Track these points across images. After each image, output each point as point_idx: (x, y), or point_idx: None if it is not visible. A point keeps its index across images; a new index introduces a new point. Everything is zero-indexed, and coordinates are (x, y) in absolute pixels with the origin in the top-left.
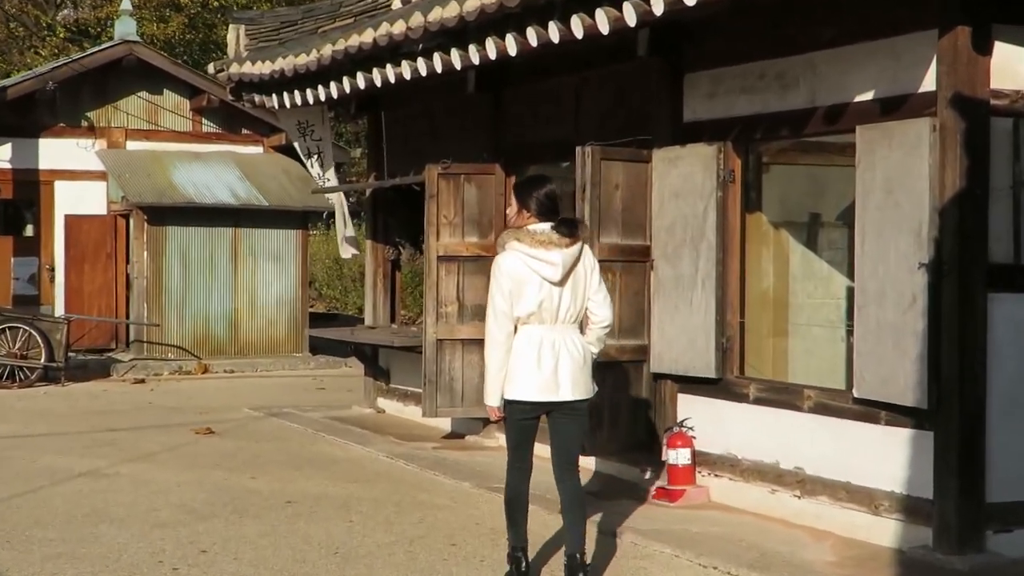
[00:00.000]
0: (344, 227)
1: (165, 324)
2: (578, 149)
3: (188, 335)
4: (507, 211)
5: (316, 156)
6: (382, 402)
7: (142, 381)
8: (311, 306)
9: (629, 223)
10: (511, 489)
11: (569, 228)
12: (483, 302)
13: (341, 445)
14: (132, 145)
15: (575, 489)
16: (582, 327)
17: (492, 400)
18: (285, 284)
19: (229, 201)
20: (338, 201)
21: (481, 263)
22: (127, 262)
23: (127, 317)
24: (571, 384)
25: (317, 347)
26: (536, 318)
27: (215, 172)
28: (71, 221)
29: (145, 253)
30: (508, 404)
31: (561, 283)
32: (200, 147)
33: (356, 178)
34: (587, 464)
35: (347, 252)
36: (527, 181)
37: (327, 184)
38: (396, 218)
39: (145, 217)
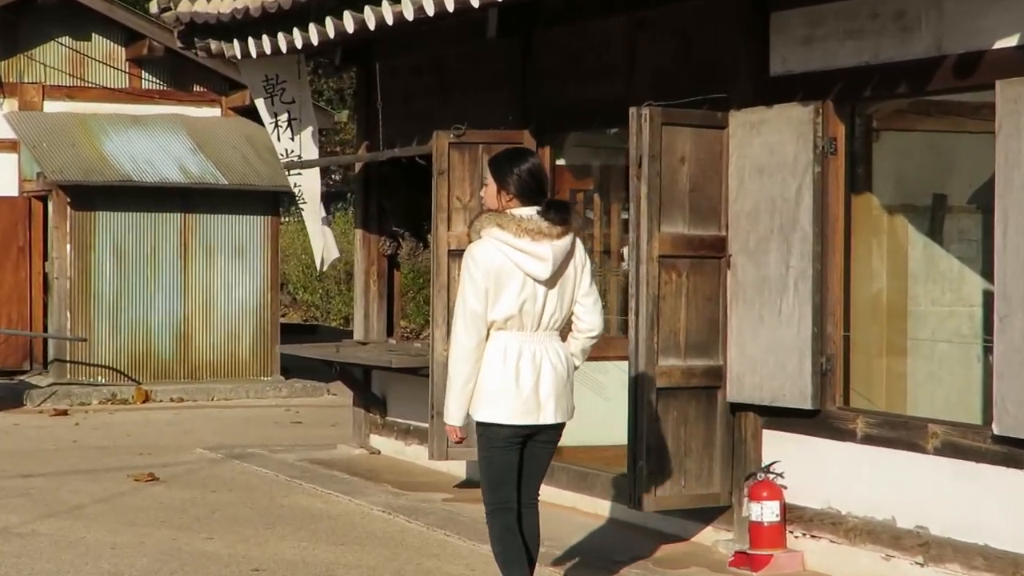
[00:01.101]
0: (317, 221)
1: (94, 339)
2: (632, 111)
3: (124, 353)
4: (481, 193)
5: (286, 123)
6: (376, 440)
7: (64, 413)
8: (283, 315)
9: (699, 207)
10: (500, 528)
11: (559, 214)
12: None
13: (323, 496)
14: (51, 106)
15: (536, 526)
16: (562, 335)
17: (453, 418)
18: (250, 287)
19: (177, 179)
20: (308, 184)
21: None
22: (44, 258)
23: (45, 329)
24: (554, 404)
25: (291, 368)
26: (515, 323)
27: (159, 141)
28: None
29: (68, 246)
30: (483, 429)
31: (549, 282)
32: (140, 108)
33: (341, 149)
34: (643, 520)
35: (328, 253)
36: (505, 155)
37: (301, 158)
38: (394, 201)
39: (68, 200)
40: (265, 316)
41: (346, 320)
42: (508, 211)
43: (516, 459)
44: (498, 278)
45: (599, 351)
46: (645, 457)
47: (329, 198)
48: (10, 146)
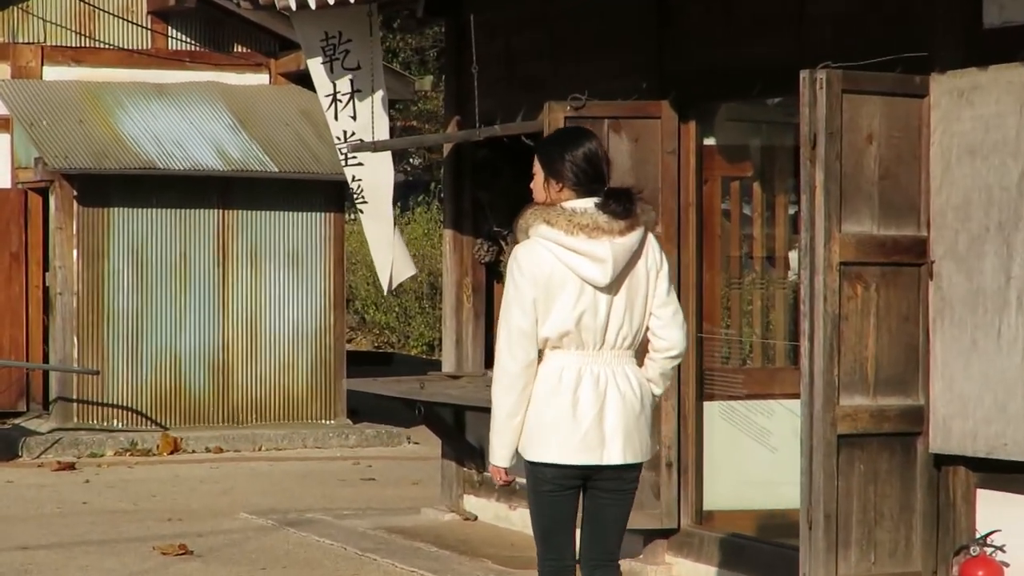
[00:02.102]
0: (386, 225)
1: (108, 371)
2: (803, 75)
3: (146, 390)
4: (531, 186)
5: (347, 95)
6: (472, 502)
7: (71, 467)
8: (349, 341)
9: (891, 200)
10: None
11: (622, 205)
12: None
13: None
14: (53, 73)
15: None
16: (638, 356)
17: (499, 458)
18: (307, 304)
19: (214, 165)
20: (373, 176)
21: None
22: (45, 268)
23: (45, 359)
24: (622, 441)
25: (361, 410)
26: (572, 341)
27: (190, 117)
28: None
29: (75, 252)
30: (531, 469)
31: (611, 289)
32: (165, 75)
33: (423, 126)
34: None
35: (398, 271)
36: (554, 137)
37: (366, 140)
38: (494, 193)
39: (75, 193)
40: (327, 342)
41: (431, 347)
42: (560, 204)
43: (572, 506)
44: (548, 286)
45: (761, 386)
46: (822, 525)
47: (406, 190)
48: (1, 124)
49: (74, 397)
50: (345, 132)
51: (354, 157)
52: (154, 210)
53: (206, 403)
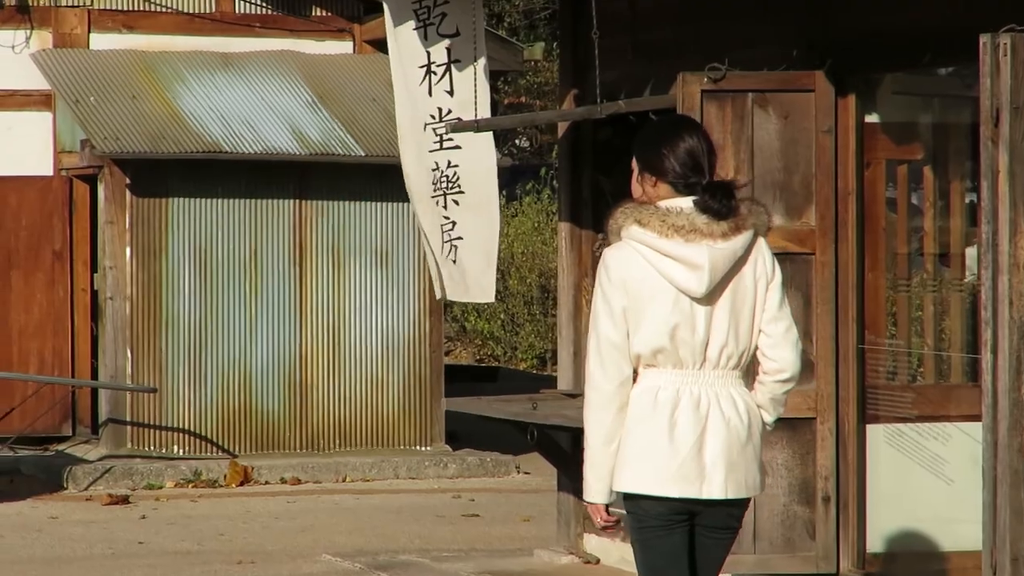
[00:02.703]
0: (490, 225)
1: (167, 389)
2: (983, 41)
3: (212, 410)
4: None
5: (443, 67)
6: (594, 542)
7: (124, 500)
8: (448, 352)
9: None
10: None
11: (723, 204)
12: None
13: None
14: (101, 41)
15: None
16: (748, 379)
17: (595, 492)
18: (399, 310)
19: (289, 148)
20: (472, 162)
21: (790, 268)
22: (92, 268)
23: (93, 375)
24: (724, 472)
25: (462, 434)
26: (668, 358)
27: (262, 92)
28: None
29: (128, 251)
30: (630, 504)
31: (710, 300)
32: (232, 43)
33: (532, 103)
34: None
35: (476, 285)
36: (653, 126)
37: (465, 118)
38: (617, 180)
39: (128, 181)
40: (421, 354)
41: (542, 360)
42: (656, 204)
43: (681, 543)
44: (638, 295)
45: (934, 406)
46: (1009, 570)
47: (512, 176)
48: (40, 101)
49: (128, 419)
50: (440, 110)
51: (450, 139)
52: (219, 200)
53: (281, 426)
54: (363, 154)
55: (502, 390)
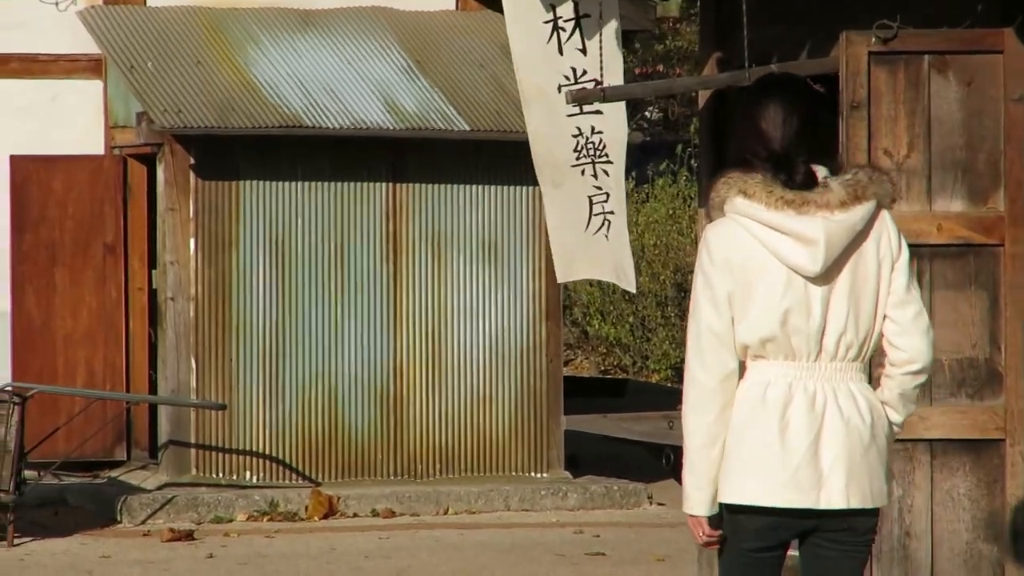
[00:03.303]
0: (620, 203)
1: (237, 406)
2: None
3: (290, 431)
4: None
5: (571, 22)
6: None
7: (189, 536)
8: (568, 362)
9: None
10: None
11: (844, 173)
12: (972, 353)
13: None
14: None
15: None
16: (869, 371)
17: (695, 503)
18: (510, 313)
19: (382, 122)
20: (610, 132)
21: (973, 261)
22: (151, 264)
23: (152, 389)
24: (845, 478)
25: (583, 457)
26: (779, 348)
27: (349, 56)
28: (21, 170)
29: (193, 243)
30: (729, 517)
31: (826, 280)
32: None
33: (668, 71)
34: None
35: (619, 276)
36: (753, 89)
37: (594, 86)
38: None
39: (192, 161)
40: (536, 365)
41: (677, 371)
42: (759, 173)
43: (775, 569)
44: (744, 276)
45: None
46: None
47: (641, 155)
48: (89, 67)
49: (192, 441)
50: (575, 70)
51: (590, 104)
52: (299, 184)
53: (372, 449)
54: (468, 128)
55: (631, 406)
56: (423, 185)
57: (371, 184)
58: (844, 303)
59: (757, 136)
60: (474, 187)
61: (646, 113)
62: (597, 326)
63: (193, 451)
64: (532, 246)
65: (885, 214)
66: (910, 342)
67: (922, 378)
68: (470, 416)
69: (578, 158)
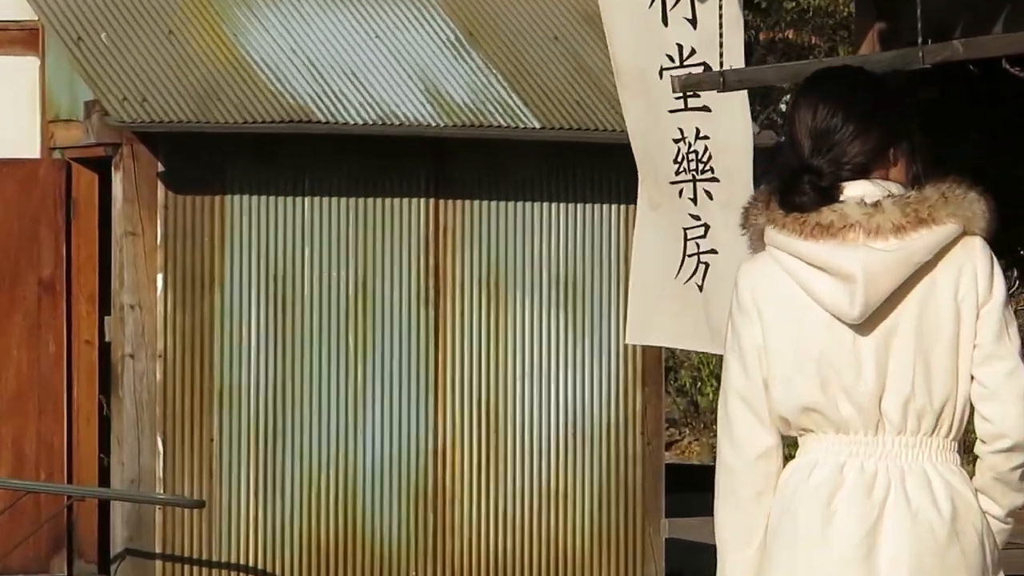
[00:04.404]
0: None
1: (221, 501)
2: None
3: (292, 535)
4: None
5: None
6: None
7: None
8: (671, 444)
9: None
10: None
11: (904, 192)
12: None
13: None
14: None
15: None
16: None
17: None
18: (589, 373)
19: (421, 116)
20: (725, 130)
21: None
22: (102, 309)
23: (103, 479)
24: None
25: (692, 572)
26: (826, 419)
27: (376, 27)
28: None
29: (161, 279)
30: None
31: (877, 327)
32: None
33: (810, 42)
34: None
35: (718, 341)
36: (803, 90)
37: (721, 70)
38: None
39: (161, 167)
40: (628, 448)
41: None
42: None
43: None
44: (777, 323)
45: None
46: None
47: (773, 163)
48: (20, 39)
49: (157, 551)
50: (680, 48)
51: (696, 96)
52: (308, 200)
53: (403, 560)
54: (537, 126)
55: None
56: (476, 202)
57: (406, 200)
58: (908, 358)
59: (791, 145)
60: (546, 205)
61: (780, 105)
62: (711, 396)
63: (159, 563)
64: (624, 286)
65: (975, 242)
66: (1000, 410)
67: (1020, 457)
68: (536, 518)
69: (678, 171)
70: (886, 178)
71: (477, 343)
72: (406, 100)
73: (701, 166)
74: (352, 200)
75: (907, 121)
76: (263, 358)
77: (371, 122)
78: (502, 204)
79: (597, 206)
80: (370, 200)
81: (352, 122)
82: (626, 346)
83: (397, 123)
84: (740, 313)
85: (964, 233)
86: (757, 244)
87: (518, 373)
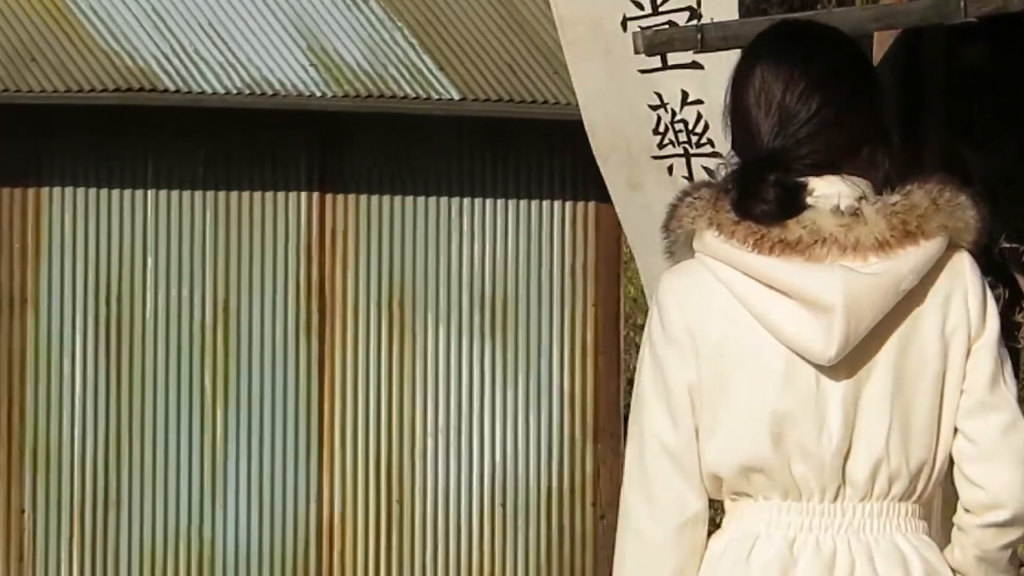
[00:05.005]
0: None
1: None
2: None
3: None
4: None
5: None
6: None
7: None
8: None
9: None
10: None
11: (887, 195)
12: None
13: None
14: None
15: None
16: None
17: None
18: (529, 424)
19: (301, 84)
20: (712, 103)
21: None
22: None
23: None
24: None
25: None
26: (773, 481)
27: None
28: None
29: None
30: None
31: (849, 368)
32: None
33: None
34: None
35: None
36: (760, 51)
37: (688, 19)
38: (995, 149)
39: None
40: (574, 520)
41: None
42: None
43: None
44: (717, 358)
45: None
46: None
47: None
48: None
49: None
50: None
51: (685, 58)
52: (151, 193)
53: None
54: (456, 97)
55: None
56: (374, 197)
57: (281, 195)
58: (884, 408)
59: (742, 123)
60: (467, 201)
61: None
62: None
63: None
64: (571, 307)
65: (963, 260)
66: (994, 475)
67: (1015, 533)
68: None
69: (662, 144)
70: (854, 174)
71: (375, 383)
72: (282, 62)
73: (695, 138)
74: (209, 194)
75: (882, 103)
76: (90, 403)
77: (235, 91)
78: (408, 200)
79: (536, 202)
80: (233, 194)
81: (211, 91)
82: (575, 383)
83: (270, 92)
84: (667, 342)
85: (949, 245)
86: (682, 252)
87: (430, 423)
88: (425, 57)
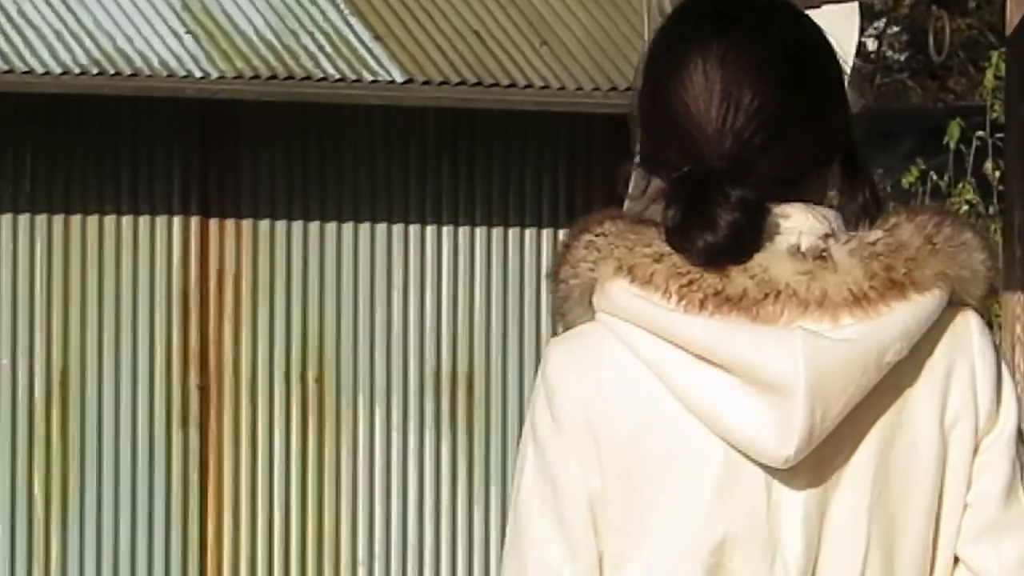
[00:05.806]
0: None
1: None
2: None
3: None
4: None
5: None
6: None
7: None
8: None
9: None
10: None
11: (863, 230)
12: None
13: None
14: None
15: None
16: None
17: None
18: (482, 546)
19: (172, 60)
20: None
21: None
22: None
23: None
24: None
25: None
26: None
27: None
28: None
29: None
30: None
31: (812, 472)
32: None
33: None
34: None
35: None
36: (672, 24)
37: None
38: None
39: None
40: None
41: None
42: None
43: None
44: (630, 461)
45: None
46: None
47: (872, 140)
48: None
49: None
50: None
51: None
52: None
53: None
54: (400, 79)
55: None
56: (279, 224)
57: (143, 219)
58: (859, 528)
59: (668, 126)
60: (414, 228)
61: (864, 40)
62: None
63: None
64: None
65: (970, 322)
66: None
67: None
68: None
69: None
70: (816, 200)
71: (280, 491)
72: (146, 29)
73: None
74: (39, 218)
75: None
76: None
77: (78, 69)
78: (329, 227)
79: (514, 230)
80: (74, 219)
81: (41, 69)
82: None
83: (128, 71)
84: (558, 438)
85: (950, 302)
86: (577, 312)
87: (359, 549)
88: (356, 23)
